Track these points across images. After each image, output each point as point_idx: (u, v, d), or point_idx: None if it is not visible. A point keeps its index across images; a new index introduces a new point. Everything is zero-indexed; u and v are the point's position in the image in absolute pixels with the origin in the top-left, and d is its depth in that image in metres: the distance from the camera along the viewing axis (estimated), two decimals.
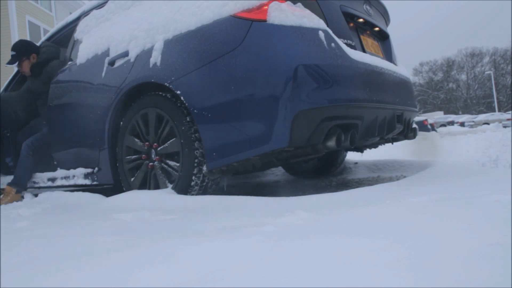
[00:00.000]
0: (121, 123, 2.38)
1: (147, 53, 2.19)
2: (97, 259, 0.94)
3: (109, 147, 2.44)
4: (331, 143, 1.86)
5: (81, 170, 2.66)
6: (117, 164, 2.42)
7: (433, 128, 17.64)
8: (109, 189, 2.63)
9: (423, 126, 15.93)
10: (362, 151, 3.09)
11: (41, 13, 17.23)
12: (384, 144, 2.94)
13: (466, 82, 54.68)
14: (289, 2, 1.88)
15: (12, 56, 3.05)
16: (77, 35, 2.91)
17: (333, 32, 1.91)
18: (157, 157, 2.21)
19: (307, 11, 1.88)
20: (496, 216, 1.02)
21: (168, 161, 2.17)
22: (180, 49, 2.05)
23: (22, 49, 3.05)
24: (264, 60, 1.78)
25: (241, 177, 3.85)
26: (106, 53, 2.51)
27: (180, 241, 1.07)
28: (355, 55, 1.98)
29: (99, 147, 2.49)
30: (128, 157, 2.34)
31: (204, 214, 1.63)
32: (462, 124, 28.76)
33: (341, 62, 1.85)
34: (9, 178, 3.35)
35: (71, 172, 2.74)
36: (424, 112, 46.65)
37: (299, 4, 1.90)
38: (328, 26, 1.91)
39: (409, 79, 2.69)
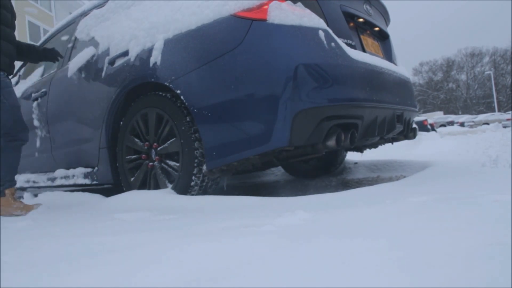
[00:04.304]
0: (121, 122, 2.38)
1: (147, 52, 2.19)
2: (97, 259, 0.94)
3: (109, 146, 2.44)
4: (331, 142, 1.86)
5: (81, 170, 2.66)
6: (117, 164, 2.42)
7: (432, 128, 17.64)
8: (109, 189, 2.63)
9: (423, 126, 15.95)
10: (362, 151, 3.09)
11: (41, 13, 17.22)
12: (384, 144, 2.94)
13: (466, 82, 54.72)
14: (289, 2, 1.88)
15: None
16: (77, 34, 2.91)
17: (333, 31, 1.91)
18: (157, 157, 2.21)
19: (307, 11, 1.88)
20: (496, 216, 1.02)
21: (168, 161, 2.17)
22: (180, 49, 2.05)
23: None
24: (264, 59, 1.78)
25: (241, 177, 3.85)
26: (106, 52, 2.51)
27: (180, 241, 1.07)
28: (355, 54, 1.98)
29: (99, 147, 2.49)
30: (128, 157, 2.34)
31: (204, 214, 1.62)
32: (462, 124, 28.75)
33: (341, 62, 1.85)
34: None
35: (71, 171, 2.74)
36: (424, 112, 46.70)
37: (299, 3, 1.90)
38: (328, 25, 1.92)
39: (409, 79, 2.69)
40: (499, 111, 40.58)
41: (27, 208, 2.11)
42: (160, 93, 2.18)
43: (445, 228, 0.96)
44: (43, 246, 1.15)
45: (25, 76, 3.57)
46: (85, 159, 2.63)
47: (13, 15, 2.25)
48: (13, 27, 2.25)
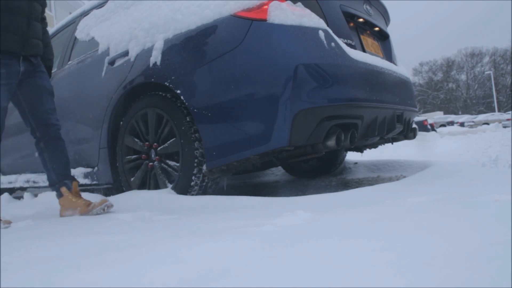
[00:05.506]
0: (121, 123, 2.38)
1: (147, 52, 2.19)
2: (97, 259, 0.94)
3: (108, 146, 2.44)
4: (331, 142, 1.86)
5: (80, 170, 2.66)
6: (117, 164, 2.42)
7: (432, 128, 17.63)
8: (109, 189, 2.63)
9: (423, 126, 15.93)
10: (362, 151, 3.09)
11: None
12: (384, 144, 2.94)
13: (466, 82, 54.70)
14: (289, 2, 1.88)
15: None
16: (77, 34, 2.91)
17: (333, 31, 1.91)
18: (157, 157, 2.21)
19: (307, 11, 1.88)
20: (496, 216, 1.02)
21: (168, 161, 2.17)
22: (180, 49, 2.05)
23: None
24: (264, 59, 1.78)
25: (241, 177, 3.85)
26: (106, 52, 2.51)
27: (180, 241, 1.07)
28: (355, 54, 1.98)
29: (99, 147, 2.49)
30: (128, 157, 2.34)
31: (204, 214, 1.62)
32: (462, 124, 28.73)
33: (341, 62, 1.85)
34: (9, 177, 3.34)
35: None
36: (424, 112, 46.69)
37: (299, 3, 1.90)
38: (328, 25, 1.92)
39: (409, 79, 2.69)
40: (499, 111, 40.55)
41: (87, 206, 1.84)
42: (160, 93, 2.18)
43: (445, 228, 0.96)
44: (43, 246, 1.15)
45: None
46: (85, 159, 2.63)
47: None
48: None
